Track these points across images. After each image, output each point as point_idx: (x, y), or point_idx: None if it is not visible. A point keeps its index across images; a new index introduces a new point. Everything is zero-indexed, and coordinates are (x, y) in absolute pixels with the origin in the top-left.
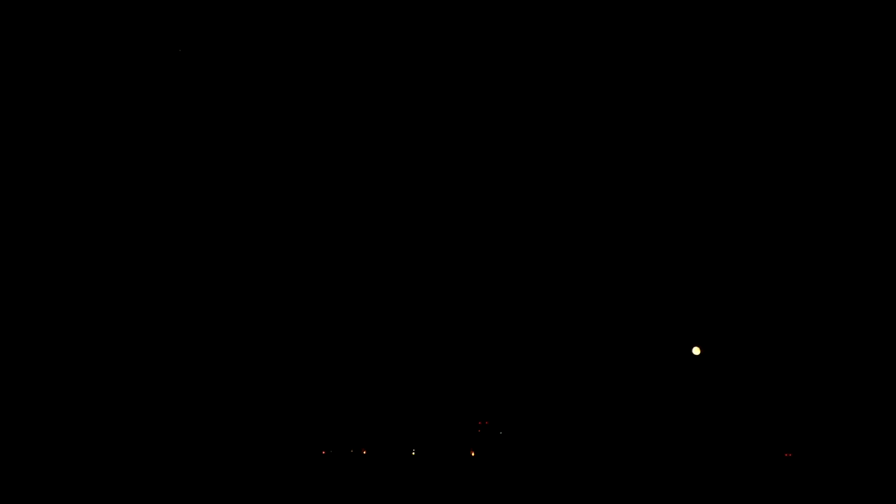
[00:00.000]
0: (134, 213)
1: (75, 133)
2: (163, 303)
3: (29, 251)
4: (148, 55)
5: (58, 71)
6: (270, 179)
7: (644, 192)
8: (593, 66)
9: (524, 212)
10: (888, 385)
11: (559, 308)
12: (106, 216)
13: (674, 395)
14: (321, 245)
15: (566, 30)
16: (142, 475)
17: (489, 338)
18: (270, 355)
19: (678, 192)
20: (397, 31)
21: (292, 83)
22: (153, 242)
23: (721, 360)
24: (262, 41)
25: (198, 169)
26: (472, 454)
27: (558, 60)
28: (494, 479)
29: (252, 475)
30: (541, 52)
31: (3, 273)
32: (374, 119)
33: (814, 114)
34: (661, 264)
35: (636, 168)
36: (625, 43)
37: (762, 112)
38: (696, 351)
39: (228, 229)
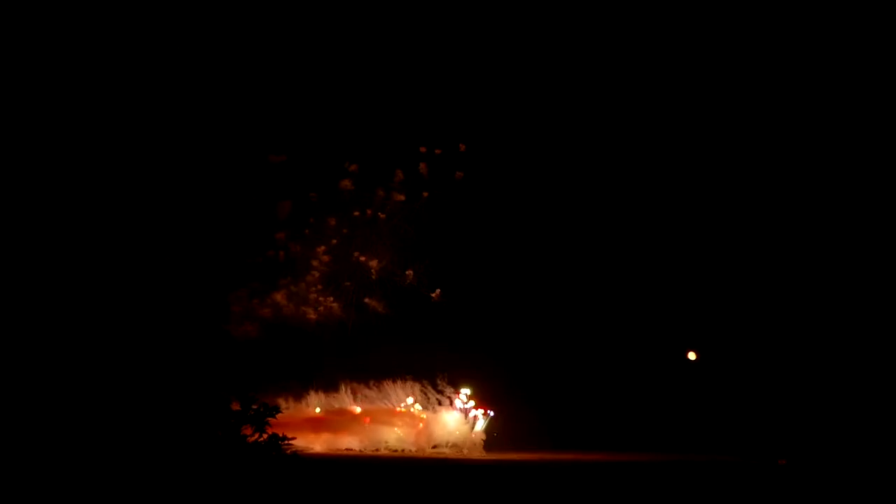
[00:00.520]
0: None
1: None
2: None
3: None
4: None
5: None
6: None
7: (643, 192)
8: (593, 66)
9: (524, 211)
10: (884, 390)
11: (558, 308)
12: None
13: (672, 396)
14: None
15: (566, 30)
16: None
17: (489, 335)
18: None
19: (678, 191)
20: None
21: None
22: None
23: (716, 365)
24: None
25: None
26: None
27: (558, 60)
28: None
29: None
30: (540, 52)
31: None
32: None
33: (814, 114)
34: (659, 267)
35: (636, 167)
36: (625, 43)
37: (762, 112)
38: (691, 356)
39: None
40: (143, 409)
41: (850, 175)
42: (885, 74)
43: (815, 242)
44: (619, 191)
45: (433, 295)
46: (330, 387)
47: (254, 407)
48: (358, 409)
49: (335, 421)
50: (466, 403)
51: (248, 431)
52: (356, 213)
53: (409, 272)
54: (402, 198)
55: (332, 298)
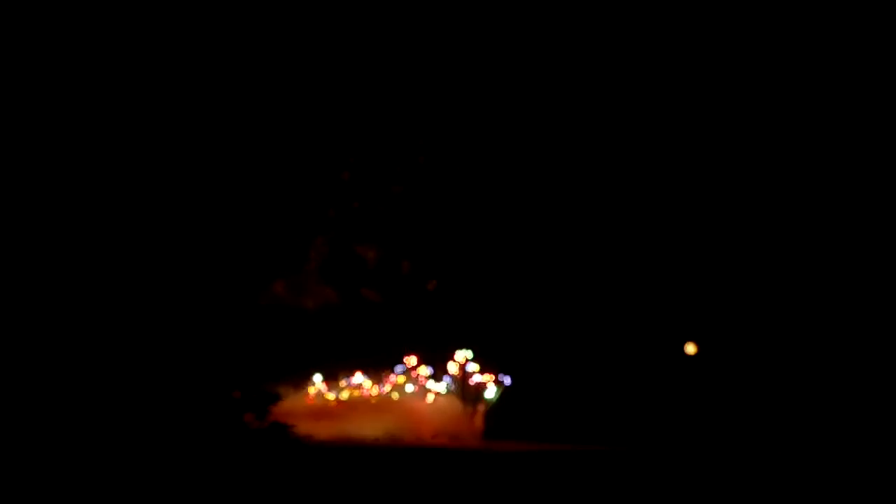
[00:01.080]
0: None
1: None
2: None
3: None
4: None
5: None
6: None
7: (643, 191)
8: (593, 66)
9: (523, 210)
10: (882, 386)
11: (557, 304)
12: None
13: (669, 391)
14: None
15: (566, 30)
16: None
17: (489, 332)
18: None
19: (677, 191)
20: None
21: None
22: None
23: (715, 358)
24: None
25: None
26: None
27: (558, 60)
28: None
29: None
30: (541, 52)
31: None
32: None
33: (814, 114)
34: (658, 263)
35: (635, 168)
36: (625, 43)
37: (762, 112)
38: (690, 349)
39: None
40: (150, 396)
41: (851, 170)
42: (885, 74)
43: (813, 240)
44: (618, 180)
45: (429, 286)
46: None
47: (254, 394)
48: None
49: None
50: (464, 371)
51: (250, 419)
52: (355, 205)
53: (406, 263)
54: (400, 189)
55: (329, 288)
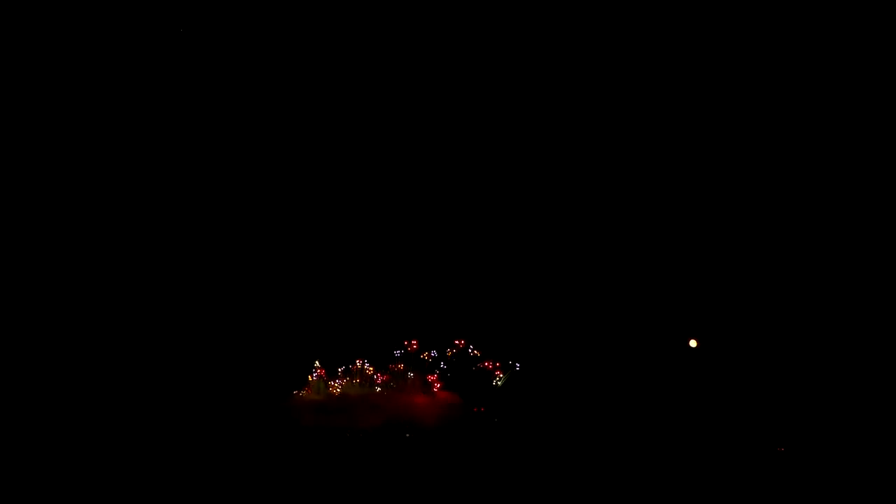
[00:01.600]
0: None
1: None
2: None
3: None
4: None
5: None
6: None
7: (641, 190)
8: (594, 66)
9: (523, 209)
10: (883, 382)
11: (556, 297)
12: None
13: (670, 386)
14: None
15: (567, 30)
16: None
17: (490, 328)
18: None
19: (677, 189)
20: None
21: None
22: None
23: (717, 352)
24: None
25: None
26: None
27: (558, 61)
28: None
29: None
30: (541, 53)
31: None
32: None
33: (814, 114)
34: (657, 258)
35: (635, 168)
36: (625, 43)
37: (762, 112)
38: (692, 343)
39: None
40: None
41: (851, 169)
42: (885, 74)
43: (812, 239)
44: (616, 188)
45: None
46: None
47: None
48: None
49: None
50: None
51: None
52: None
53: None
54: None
55: None
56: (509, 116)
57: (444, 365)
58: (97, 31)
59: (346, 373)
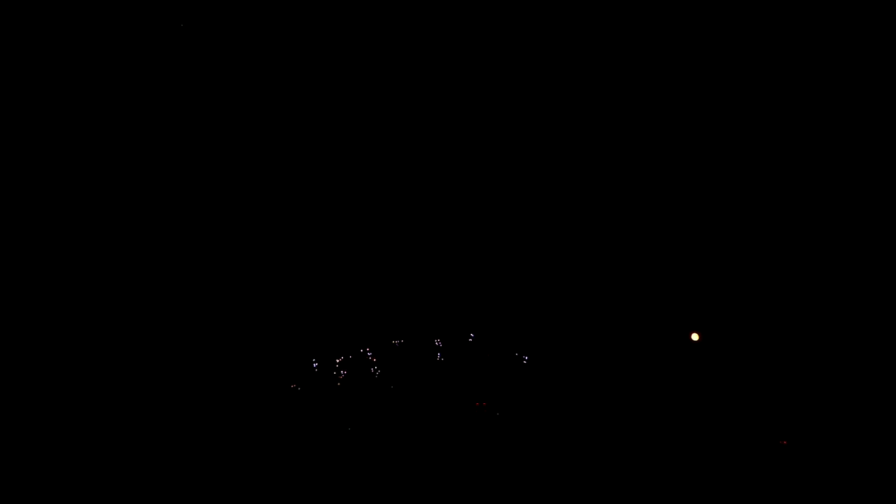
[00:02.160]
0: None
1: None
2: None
3: None
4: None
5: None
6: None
7: (640, 189)
8: (593, 66)
9: (522, 209)
10: (886, 376)
11: (557, 293)
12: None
13: (671, 381)
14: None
15: (566, 30)
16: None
17: (491, 329)
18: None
19: (676, 187)
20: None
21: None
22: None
23: (720, 346)
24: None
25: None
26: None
27: (558, 61)
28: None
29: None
30: (540, 53)
31: None
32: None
33: (814, 114)
34: (658, 252)
35: (634, 168)
36: (624, 43)
37: (762, 112)
38: (694, 337)
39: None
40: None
41: (851, 175)
42: (885, 74)
43: (812, 236)
44: (614, 187)
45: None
46: None
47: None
48: None
49: None
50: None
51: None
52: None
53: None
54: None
55: None
56: (509, 115)
57: (445, 359)
58: (97, 31)
59: (345, 370)
